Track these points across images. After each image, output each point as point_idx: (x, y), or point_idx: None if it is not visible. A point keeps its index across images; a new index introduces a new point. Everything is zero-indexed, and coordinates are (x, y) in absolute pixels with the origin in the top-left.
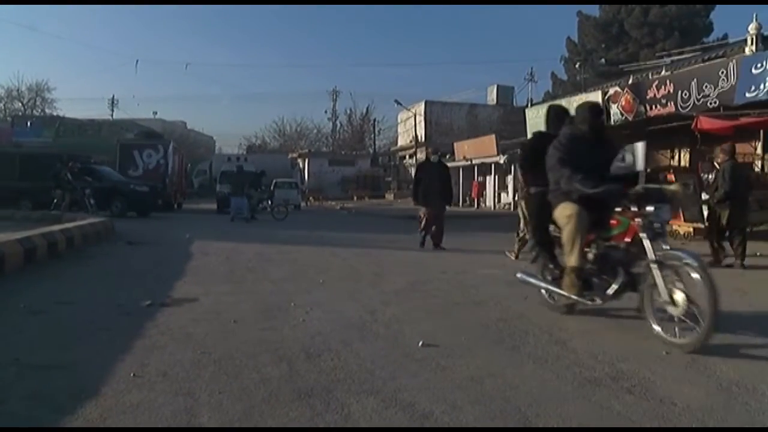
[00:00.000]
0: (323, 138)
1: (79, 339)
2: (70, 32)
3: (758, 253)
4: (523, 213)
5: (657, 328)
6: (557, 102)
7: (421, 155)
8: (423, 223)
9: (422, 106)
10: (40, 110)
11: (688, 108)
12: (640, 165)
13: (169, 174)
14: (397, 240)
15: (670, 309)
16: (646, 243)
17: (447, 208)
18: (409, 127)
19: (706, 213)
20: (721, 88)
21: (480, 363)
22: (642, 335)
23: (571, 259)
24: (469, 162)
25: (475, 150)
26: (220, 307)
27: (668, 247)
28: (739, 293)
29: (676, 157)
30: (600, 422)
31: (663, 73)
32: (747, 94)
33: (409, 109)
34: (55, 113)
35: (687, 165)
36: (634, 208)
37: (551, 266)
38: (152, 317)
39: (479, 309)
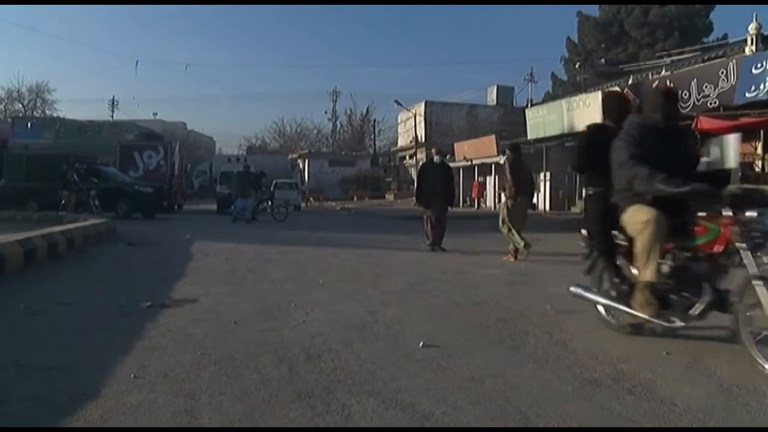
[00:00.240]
0: (323, 138)
1: (80, 340)
2: (70, 33)
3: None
4: (508, 214)
5: (761, 360)
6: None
7: (421, 156)
8: (428, 228)
9: (422, 106)
10: (40, 111)
11: (688, 108)
12: (732, 161)
13: (176, 175)
14: (397, 240)
15: None
16: (746, 255)
17: (449, 209)
18: (409, 127)
19: None
20: (721, 88)
21: (480, 363)
22: (642, 335)
23: (646, 273)
24: (469, 162)
25: (476, 150)
26: (221, 308)
27: None
28: None
29: None
30: (600, 423)
31: (663, 73)
32: (747, 94)
33: (409, 110)
34: (55, 114)
35: None
36: (726, 212)
37: (616, 280)
38: (152, 318)
39: (479, 309)
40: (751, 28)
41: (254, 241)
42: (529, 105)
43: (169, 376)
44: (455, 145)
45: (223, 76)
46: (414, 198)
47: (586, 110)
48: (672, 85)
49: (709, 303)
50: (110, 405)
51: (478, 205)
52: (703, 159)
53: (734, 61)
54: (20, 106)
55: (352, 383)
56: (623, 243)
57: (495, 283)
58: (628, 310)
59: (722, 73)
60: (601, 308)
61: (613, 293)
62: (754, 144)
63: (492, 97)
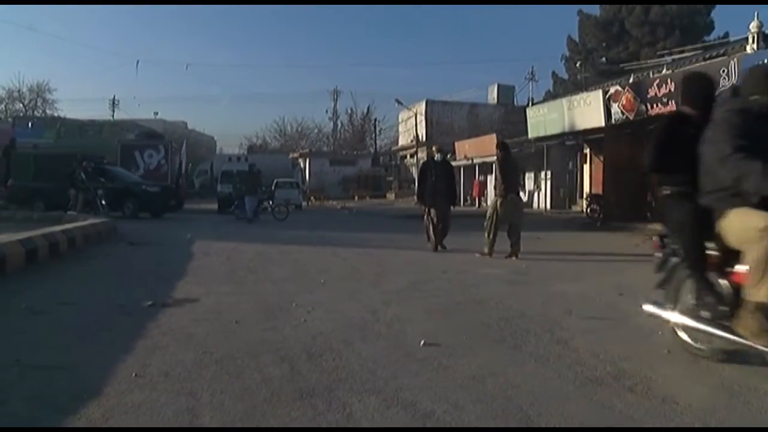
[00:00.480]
0: (324, 138)
1: (81, 339)
2: (71, 33)
3: None
4: (495, 213)
5: None
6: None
7: (422, 155)
8: (430, 228)
9: (423, 105)
10: (41, 111)
11: None
12: None
13: (182, 174)
14: (398, 240)
15: None
16: None
17: (452, 208)
18: (410, 126)
19: None
20: (722, 86)
21: (482, 362)
22: (643, 334)
23: (760, 292)
24: (470, 161)
25: (476, 149)
26: (222, 308)
27: None
28: None
29: None
30: (602, 421)
31: (664, 71)
32: None
33: (409, 109)
34: (56, 114)
35: None
36: None
37: (710, 299)
38: (154, 317)
39: (480, 308)
40: (753, 26)
41: (255, 241)
42: (530, 104)
43: (171, 375)
44: (456, 144)
45: (223, 75)
46: (415, 197)
47: (587, 109)
48: (673, 83)
49: None
50: (112, 404)
51: (479, 204)
52: None
53: (735, 59)
54: (21, 105)
55: (354, 382)
56: (715, 253)
57: (496, 282)
58: (729, 336)
59: (723, 71)
60: (681, 332)
61: (705, 314)
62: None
63: (493, 96)
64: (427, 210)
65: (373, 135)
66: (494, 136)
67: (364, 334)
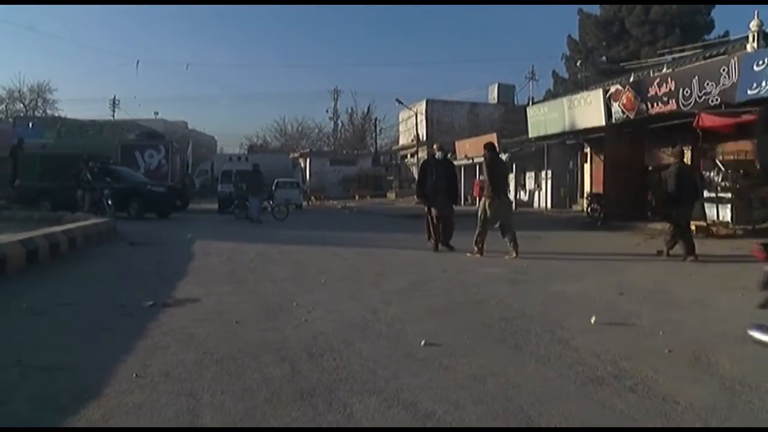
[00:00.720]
0: (324, 137)
1: (82, 340)
2: (71, 33)
3: None
4: (484, 213)
5: None
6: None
7: (422, 154)
8: (430, 227)
9: (423, 105)
10: (41, 111)
11: (690, 106)
12: None
13: (189, 174)
14: (398, 239)
15: None
16: None
17: (453, 207)
18: (410, 126)
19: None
20: (723, 85)
21: (482, 362)
22: (644, 333)
23: None
24: (470, 161)
25: (477, 149)
26: (222, 308)
27: None
28: (741, 290)
29: None
30: (602, 421)
31: (664, 70)
32: (749, 92)
33: (410, 108)
34: (56, 114)
35: (689, 163)
36: None
37: None
38: (154, 318)
39: (481, 308)
40: (753, 25)
41: (256, 241)
42: (531, 103)
43: (171, 375)
44: (456, 143)
45: (223, 75)
46: (415, 195)
47: (587, 108)
48: (673, 82)
49: None
50: (112, 404)
51: (480, 203)
52: None
53: (736, 58)
54: (21, 105)
55: (354, 382)
56: None
57: (496, 282)
58: None
59: (724, 70)
60: None
61: None
62: (755, 142)
63: (493, 96)
64: (428, 209)
65: (374, 134)
66: (495, 135)
67: (364, 334)
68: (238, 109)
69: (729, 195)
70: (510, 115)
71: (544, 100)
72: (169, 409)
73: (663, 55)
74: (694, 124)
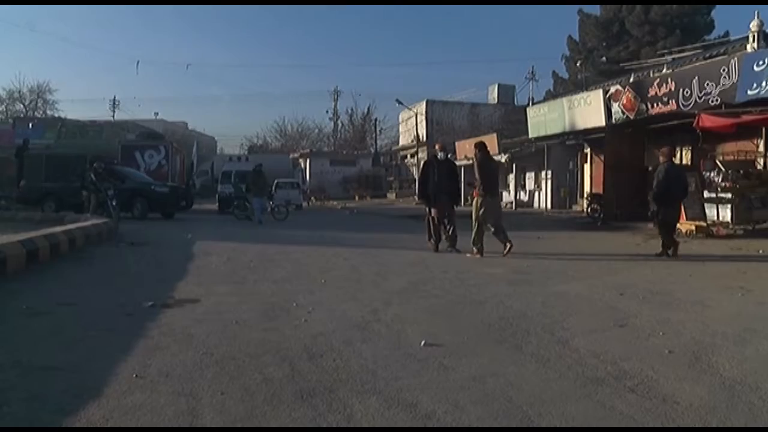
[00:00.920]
0: (325, 138)
1: (81, 340)
2: (71, 33)
3: (760, 251)
4: (476, 212)
5: None
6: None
7: (422, 154)
8: (431, 228)
9: (423, 105)
10: (41, 112)
11: (690, 106)
12: None
13: (194, 174)
14: (399, 240)
15: None
16: None
17: (455, 207)
18: (410, 126)
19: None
20: (723, 85)
21: (482, 362)
22: (644, 334)
23: None
24: (470, 161)
25: None
26: (222, 308)
27: None
28: (741, 291)
29: (678, 155)
30: (602, 421)
31: (664, 71)
32: (749, 92)
33: (410, 109)
34: (56, 114)
35: (689, 163)
36: None
37: None
38: (154, 318)
39: (481, 308)
40: (753, 25)
41: (256, 241)
42: (531, 103)
43: (171, 375)
44: (457, 143)
45: (223, 76)
46: (416, 195)
47: (587, 108)
48: (673, 83)
49: None
50: (112, 405)
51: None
52: None
53: (736, 58)
54: (21, 106)
55: (354, 382)
56: None
57: (497, 282)
58: None
59: (724, 70)
60: None
61: None
62: (756, 142)
63: (493, 96)
64: (429, 209)
65: (374, 135)
66: (495, 135)
67: (364, 334)
68: (238, 109)
69: (729, 195)
70: (510, 116)
71: (544, 100)
72: (169, 409)
73: (663, 55)
74: (694, 125)
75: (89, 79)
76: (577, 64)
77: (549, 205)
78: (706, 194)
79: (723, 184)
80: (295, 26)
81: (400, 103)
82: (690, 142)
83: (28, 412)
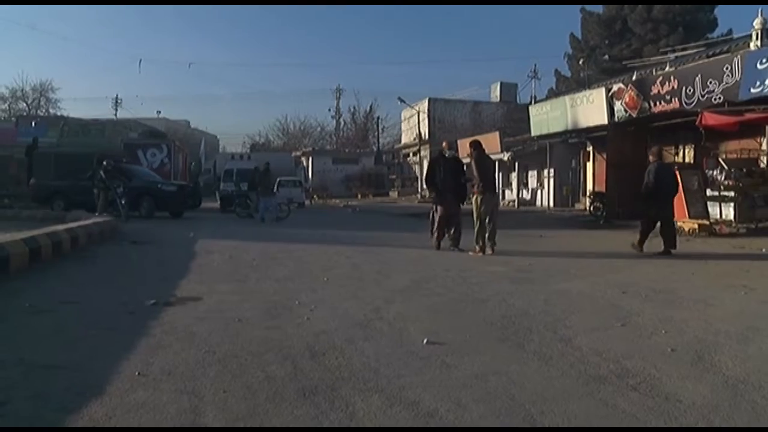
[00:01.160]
0: (327, 136)
1: (84, 338)
2: (74, 33)
3: (763, 249)
4: (477, 210)
5: None
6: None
7: (425, 153)
8: (435, 225)
9: (426, 103)
10: (44, 110)
11: (693, 104)
12: None
13: (202, 173)
14: (401, 238)
15: None
16: None
17: (461, 206)
18: (412, 124)
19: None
20: (726, 83)
21: (485, 360)
22: (647, 332)
23: None
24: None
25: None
26: (225, 306)
27: None
28: (744, 289)
29: (681, 153)
30: (605, 420)
31: (667, 69)
32: (752, 90)
33: (412, 107)
34: (59, 113)
35: (692, 161)
36: None
37: None
38: (156, 316)
39: (483, 306)
40: (756, 23)
41: (258, 239)
42: (533, 101)
43: (174, 373)
44: (459, 141)
45: (226, 74)
46: (425, 185)
47: (590, 106)
48: (676, 81)
49: None
50: (115, 403)
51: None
52: None
53: (739, 56)
54: (24, 105)
55: (356, 380)
56: None
57: (499, 281)
58: None
59: (727, 68)
60: None
61: None
62: (759, 140)
63: (495, 94)
64: (434, 207)
65: (376, 133)
66: (497, 133)
67: (367, 332)
68: (240, 108)
69: (732, 193)
70: (512, 114)
71: (547, 98)
72: (171, 407)
73: (666, 53)
74: (696, 123)
75: (91, 77)
76: (580, 62)
77: (551, 204)
78: (709, 192)
79: (726, 182)
80: (297, 25)
81: (402, 101)
82: (693, 141)
83: (31, 410)
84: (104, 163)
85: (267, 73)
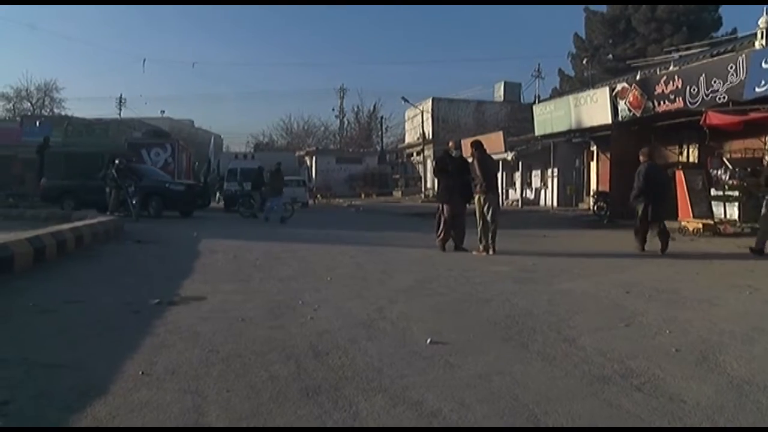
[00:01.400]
0: (331, 135)
1: (88, 337)
2: (78, 33)
3: None
4: (480, 210)
5: None
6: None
7: (428, 152)
8: (441, 225)
9: (429, 103)
10: (48, 110)
11: (697, 103)
12: None
13: (212, 172)
14: (404, 238)
15: None
16: None
17: (467, 206)
18: (416, 124)
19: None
20: (730, 83)
21: (488, 360)
22: (651, 332)
23: None
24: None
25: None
26: (228, 306)
27: None
28: (749, 289)
29: (685, 152)
30: (609, 420)
31: (671, 68)
32: (757, 89)
33: (416, 107)
34: (63, 113)
35: (696, 161)
36: None
37: None
38: (160, 316)
39: (487, 306)
40: (761, 22)
41: (262, 239)
42: (537, 101)
43: (177, 373)
44: (462, 141)
45: (229, 74)
46: (435, 173)
47: (594, 106)
48: (680, 80)
49: None
50: (118, 402)
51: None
52: None
53: (743, 55)
54: (29, 104)
55: (360, 380)
56: None
57: (503, 280)
58: None
59: (731, 67)
60: None
61: None
62: (763, 139)
63: (499, 94)
64: (441, 207)
65: (380, 133)
66: (501, 133)
67: (370, 332)
68: (243, 107)
69: (736, 193)
70: (516, 113)
71: (551, 98)
72: (174, 406)
73: (670, 52)
74: (701, 122)
75: (96, 77)
76: (584, 62)
77: (555, 203)
78: (713, 192)
79: (730, 181)
80: (300, 25)
81: (406, 100)
82: (697, 140)
83: (35, 410)
84: (116, 161)
85: (271, 72)
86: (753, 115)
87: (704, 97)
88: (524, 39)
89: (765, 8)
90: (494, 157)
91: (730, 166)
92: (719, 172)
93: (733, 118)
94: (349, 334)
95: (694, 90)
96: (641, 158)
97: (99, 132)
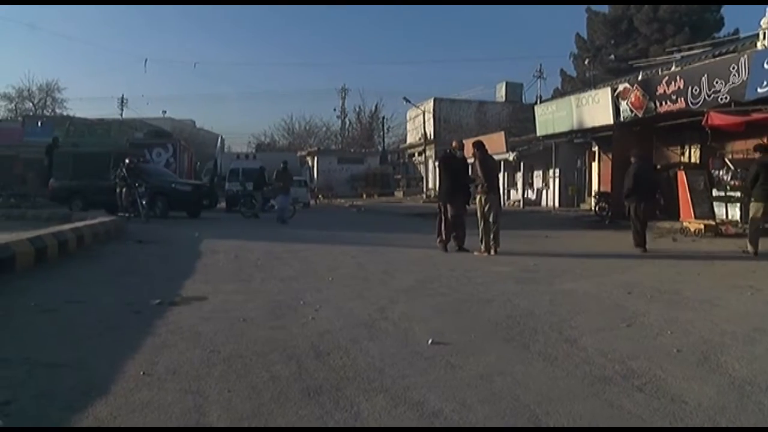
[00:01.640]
0: (332, 136)
1: (89, 337)
2: (79, 33)
3: None
4: (481, 210)
5: None
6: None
7: (430, 152)
8: (442, 225)
9: (431, 103)
10: (50, 110)
11: (699, 104)
12: None
13: (219, 173)
14: (406, 238)
15: None
16: None
17: (467, 206)
18: (418, 124)
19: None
20: (732, 83)
21: (489, 361)
22: (652, 333)
23: None
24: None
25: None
26: (229, 306)
27: None
28: (750, 290)
29: (687, 153)
30: (610, 421)
31: (673, 68)
32: (759, 90)
33: (418, 107)
34: (65, 113)
35: (697, 161)
36: None
37: None
38: (161, 316)
39: (488, 307)
40: (764, 22)
41: (263, 239)
42: (538, 101)
43: (179, 373)
44: (464, 141)
45: (231, 74)
46: (440, 162)
47: (596, 106)
48: (682, 80)
49: None
50: (120, 402)
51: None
52: None
53: (746, 56)
54: (31, 105)
55: (361, 380)
56: None
57: (504, 281)
58: None
59: (733, 68)
60: None
61: None
62: (765, 140)
63: (501, 94)
64: (442, 207)
65: (381, 133)
66: (502, 133)
67: (371, 332)
68: (245, 107)
69: (738, 194)
70: (518, 114)
71: (552, 98)
72: (176, 406)
73: (672, 53)
74: (703, 123)
75: (97, 77)
76: (586, 62)
77: (557, 204)
78: (714, 193)
79: (732, 182)
80: (301, 25)
81: (407, 101)
82: (699, 141)
83: (37, 409)
84: (127, 161)
85: (272, 72)
86: (755, 115)
87: (706, 97)
88: (526, 39)
89: (767, 8)
90: (496, 157)
91: (731, 167)
92: (721, 173)
93: (735, 119)
94: (351, 334)
95: (696, 90)
96: (632, 159)
97: (101, 132)
